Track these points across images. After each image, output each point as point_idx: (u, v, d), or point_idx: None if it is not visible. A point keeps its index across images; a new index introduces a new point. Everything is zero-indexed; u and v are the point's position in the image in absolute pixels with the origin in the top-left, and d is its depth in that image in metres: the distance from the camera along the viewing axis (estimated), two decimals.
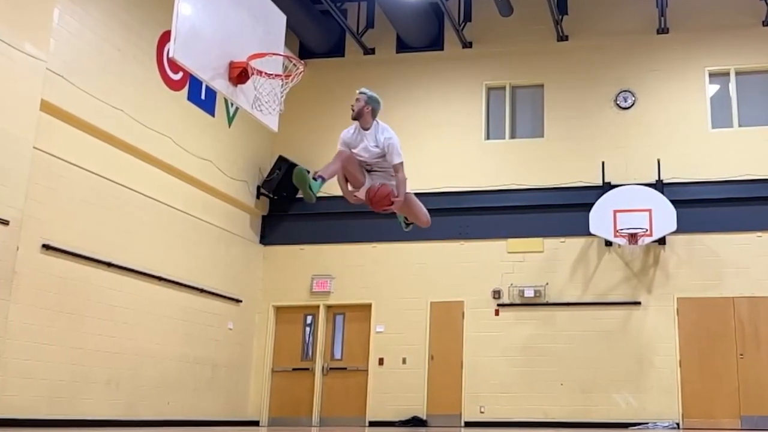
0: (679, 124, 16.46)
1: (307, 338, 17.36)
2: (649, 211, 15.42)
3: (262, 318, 17.39)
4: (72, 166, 12.24)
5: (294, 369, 17.18)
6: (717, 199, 15.82)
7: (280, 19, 10.82)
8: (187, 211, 15.09)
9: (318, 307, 17.28)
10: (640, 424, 15.15)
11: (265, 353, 17.22)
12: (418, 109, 17.66)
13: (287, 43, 11.44)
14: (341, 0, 17.38)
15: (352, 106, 7.82)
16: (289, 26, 11.68)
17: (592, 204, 15.79)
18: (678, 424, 15.10)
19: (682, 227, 15.38)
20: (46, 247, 11.71)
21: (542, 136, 17.21)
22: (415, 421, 16.03)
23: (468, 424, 15.87)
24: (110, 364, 12.92)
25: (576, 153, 16.76)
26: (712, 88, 16.74)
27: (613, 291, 15.98)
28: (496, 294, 16.43)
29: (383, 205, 7.65)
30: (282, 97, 10.27)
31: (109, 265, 12.95)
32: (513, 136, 17.54)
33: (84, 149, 12.50)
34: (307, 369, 17.11)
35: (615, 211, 15.53)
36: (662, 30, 16.89)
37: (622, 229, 15.40)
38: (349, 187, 7.94)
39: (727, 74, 16.67)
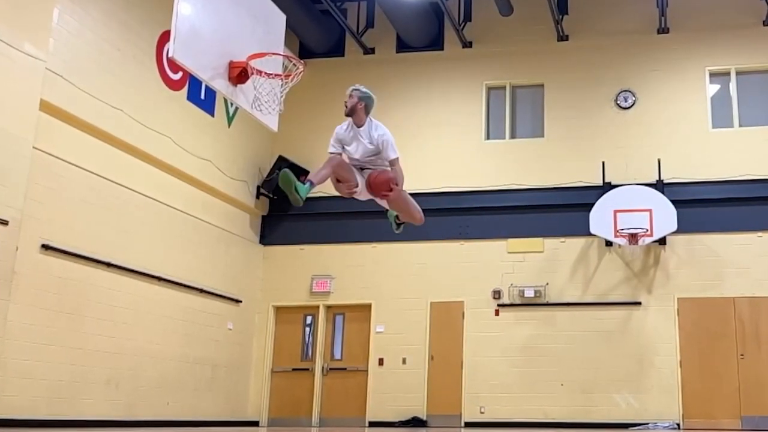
0: (680, 124, 16.44)
1: (306, 338, 17.34)
2: (650, 211, 15.40)
3: (262, 318, 17.38)
4: (71, 166, 12.23)
5: (294, 369, 17.17)
6: (717, 199, 15.80)
7: (279, 18, 10.80)
8: (187, 211, 15.07)
9: (318, 307, 17.26)
10: (640, 424, 15.13)
11: (264, 353, 17.20)
12: (418, 109, 17.65)
13: (287, 43, 11.41)
14: (341, 0, 17.37)
15: (345, 102, 7.78)
16: (289, 26, 11.66)
17: (593, 204, 15.78)
18: (678, 424, 15.08)
19: (683, 227, 15.36)
20: (46, 247, 11.70)
21: (542, 136, 17.19)
22: (415, 422, 16.02)
23: (468, 425, 15.85)
24: (110, 365, 12.90)
25: (576, 153, 16.74)
26: (713, 88, 16.72)
27: (613, 291, 15.96)
28: (496, 294, 16.42)
29: (382, 189, 7.55)
30: (282, 96, 10.25)
31: (109, 265, 12.93)
32: (513, 136, 17.52)
33: (83, 149, 12.49)
34: (307, 369, 17.09)
35: (615, 211, 15.52)
36: (662, 30, 16.88)
37: (622, 229, 15.38)
38: (342, 186, 7.86)
39: (728, 74, 16.65)
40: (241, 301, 16.68)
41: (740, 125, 16.35)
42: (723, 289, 15.54)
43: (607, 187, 16.08)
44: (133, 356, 13.44)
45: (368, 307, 16.98)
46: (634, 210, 15.42)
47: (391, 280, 16.88)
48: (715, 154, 16.10)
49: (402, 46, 18.10)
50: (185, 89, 15.07)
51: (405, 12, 16.79)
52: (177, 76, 14.70)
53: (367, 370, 16.70)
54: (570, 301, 16.12)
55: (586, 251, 16.26)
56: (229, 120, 16.54)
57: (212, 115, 15.98)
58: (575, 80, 17.16)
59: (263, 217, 17.70)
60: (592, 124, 16.87)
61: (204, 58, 9.28)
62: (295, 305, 17.38)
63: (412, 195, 17.40)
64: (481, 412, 15.92)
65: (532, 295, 16.23)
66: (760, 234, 15.60)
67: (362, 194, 7.91)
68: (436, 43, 18.01)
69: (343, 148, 7.83)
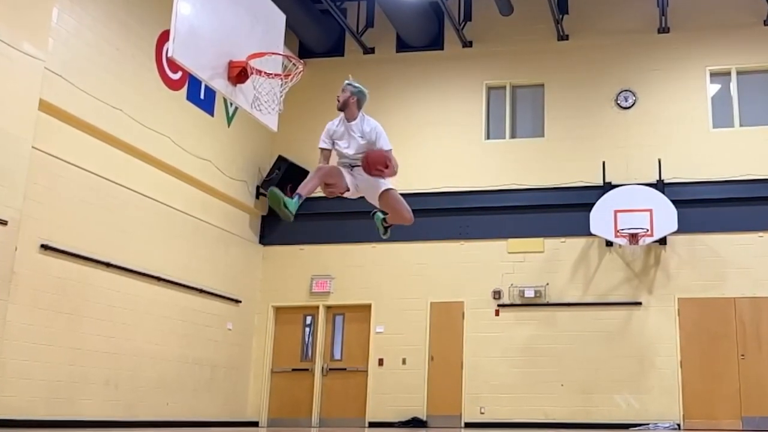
0: (680, 124, 16.41)
1: (306, 339, 17.31)
2: (650, 211, 15.38)
3: (262, 318, 17.35)
4: (71, 165, 12.21)
5: (293, 369, 17.14)
6: (718, 199, 15.77)
7: (279, 18, 10.79)
8: (186, 211, 15.05)
9: (317, 307, 17.23)
10: (640, 425, 15.10)
11: (264, 354, 17.17)
12: (418, 109, 17.62)
13: (287, 43, 11.39)
14: None
15: (338, 96, 7.75)
16: (289, 25, 11.64)
17: (593, 204, 15.75)
18: (679, 425, 15.05)
19: (683, 227, 15.34)
20: (45, 247, 11.68)
21: (543, 135, 17.17)
22: (415, 422, 15.99)
23: (468, 425, 15.82)
24: (109, 365, 12.87)
25: (576, 153, 16.71)
26: (713, 88, 16.69)
27: (613, 291, 15.93)
28: (497, 294, 16.39)
29: (379, 164, 7.45)
30: (281, 96, 10.23)
31: (108, 265, 12.90)
32: (513, 135, 17.49)
33: (83, 149, 12.46)
34: (307, 370, 17.06)
35: (616, 211, 15.49)
36: (663, 29, 16.85)
37: (622, 229, 15.35)
38: (331, 190, 7.78)
39: (728, 74, 16.63)
40: (240, 302, 16.65)
41: (741, 125, 16.32)
42: (724, 290, 15.51)
43: (608, 187, 16.06)
44: (132, 356, 13.42)
45: (368, 307, 16.95)
46: (635, 210, 15.40)
47: (391, 281, 16.85)
48: (716, 154, 16.07)
49: (402, 46, 18.07)
50: (185, 89, 15.04)
51: (405, 11, 16.76)
52: (176, 76, 14.68)
53: (366, 371, 16.68)
54: (570, 301, 16.09)
55: (587, 251, 16.23)
56: (229, 120, 16.51)
57: (212, 114, 15.95)
58: (575, 80, 17.13)
59: (263, 217, 17.67)
60: (593, 123, 16.84)
61: (203, 57, 9.26)
62: (295, 305, 17.35)
63: (412, 195, 17.39)
64: (481, 413, 15.89)
65: (533, 295, 16.20)
66: (760, 234, 15.58)
67: (354, 194, 7.85)
68: (436, 42, 17.98)
69: (334, 144, 7.76)
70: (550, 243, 16.44)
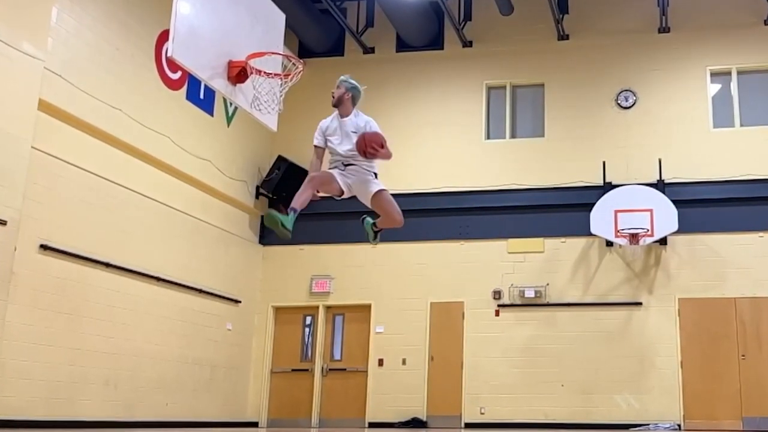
0: (681, 124, 16.39)
1: (306, 339, 17.30)
2: (650, 211, 15.36)
3: (261, 319, 17.33)
4: (70, 165, 12.19)
5: (293, 370, 17.12)
6: (718, 199, 15.75)
7: (279, 18, 10.77)
8: (186, 211, 15.03)
9: (317, 307, 17.21)
10: (641, 425, 15.08)
11: (264, 354, 17.15)
12: (418, 109, 17.60)
13: (286, 42, 11.38)
14: None
15: (333, 93, 7.77)
16: (289, 25, 11.63)
17: (593, 204, 15.73)
18: (679, 425, 15.04)
19: (684, 227, 15.32)
20: (44, 247, 11.66)
21: (543, 135, 17.15)
22: (415, 423, 15.97)
23: (468, 426, 15.81)
24: (108, 365, 12.86)
25: (577, 153, 16.70)
26: (714, 88, 16.67)
27: (614, 291, 15.91)
28: (497, 294, 16.37)
29: (374, 142, 7.41)
30: (281, 96, 10.22)
31: (108, 265, 12.88)
32: (513, 135, 17.47)
33: (82, 149, 12.44)
34: (307, 370, 17.04)
35: (616, 211, 15.48)
36: (663, 29, 16.83)
37: (623, 229, 15.33)
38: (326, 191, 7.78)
39: (729, 73, 16.61)
40: (240, 302, 16.63)
41: (741, 125, 16.30)
42: (724, 290, 15.49)
43: (608, 187, 16.04)
44: (131, 357, 13.40)
45: (368, 307, 16.94)
46: (635, 210, 15.38)
47: (391, 281, 16.83)
48: (716, 154, 16.05)
49: (402, 46, 18.05)
50: (184, 89, 15.02)
51: (405, 11, 16.74)
52: (176, 76, 14.66)
53: (366, 371, 16.66)
54: (570, 301, 16.07)
55: (587, 251, 16.21)
56: (229, 120, 16.49)
57: (211, 114, 15.94)
58: (576, 80, 17.12)
59: (262, 217, 17.65)
60: (593, 123, 16.82)
61: (203, 57, 9.25)
62: (295, 306, 17.33)
63: (412, 195, 17.38)
64: (482, 413, 15.88)
65: (533, 295, 16.18)
66: (761, 234, 15.56)
67: (347, 194, 7.81)
68: (436, 42, 17.96)
69: (327, 142, 7.73)
70: (551, 243, 16.42)
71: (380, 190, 7.72)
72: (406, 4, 16.49)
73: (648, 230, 15.26)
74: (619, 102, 16.79)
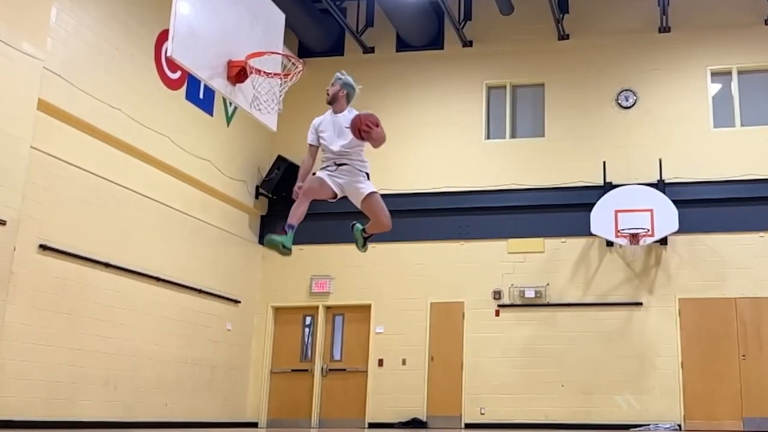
0: (681, 124, 16.38)
1: (306, 339, 17.27)
2: (651, 211, 15.34)
3: (261, 319, 17.30)
4: (69, 165, 12.17)
5: (293, 370, 17.10)
6: (719, 199, 15.74)
7: (279, 17, 10.76)
8: (186, 211, 15.01)
9: (317, 307, 17.20)
10: (641, 425, 15.06)
11: (263, 354, 17.13)
12: (418, 109, 17.58)
13: (286, 42, 11.36)
14: None
15: (327, 90, 7.75)
16: (288, 25, 11.61)
17: (593, 204, 15.71)
18: (680, 425, 15.02)
19: (684, 227, 15.30)
20: (44, 247, 11.64)
21: (543, 135, 17.13)
22: (415, 423, 15.95)
23: (468, 426, 15.79)
24: (108, 365, 12.83)
25: (577, 153, 16.68)
26: (714, 87, 16.66)
27: (614, 291, 15.90)
28: (497, 294, 16.35)
29: (369, 120, 7.37)
30: (281, 96, 10.21)
31: (107, 265, 12.86)
32: (513, 135, 17.46)
33: (82, 149, 12.42)
34: (306, 370, 17.02)
35: (616, 211, 15.46)
36: (664, 29, 16.82)
37: (623, 230, 15.32)
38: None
39: (729, 73, 16.59)
40: (240, 302, 16.61)
41: (742, 125, 16.28)
42: (724, 290, 15.47)
43: (608, 186, 16.02)
44: (131, 357, 13.37)
45: (368, 307, 16.92)
46: (635, 210, 15.36)
47: (391, 281, 16.81)
48: (717, 154, 16.04)
49: (402, 46, 18.03)
50: (184, 88, 15.00)
51: (405, 11, 16.72)
52: (176, 76, 14.64)
53: (366, 371, 16.64)
54: (571, 301, 16.05)
55: (587, 251, 16.19)
56: (228, 119, 16.47)
57: (211, 114, 15.92)
58: (576, 79, 17.10)
59: (262, 217, 17.63)
60: (593, 123, 16.81)
61: (203, 57, 9.23)
62: (295, 306, 17.31)
63: (412, 195, 17.36)
64: (482, 413, 15.85)
65: (533, 295, 16.16)
66: (761, 234, 15.54)
67: (339, 195, 7.78)
68: (436, 42, 17.94)
69: (320, 140, 7.69)
70: (551, 243, 16.40)
71: (372, 193, 7.68)
72: (406, 4, 16.47)
73: (648, 230, 15.24)
74: (619, 102, 16.78)
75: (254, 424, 16.78)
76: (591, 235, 15.81)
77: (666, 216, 15.25)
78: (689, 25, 16.79)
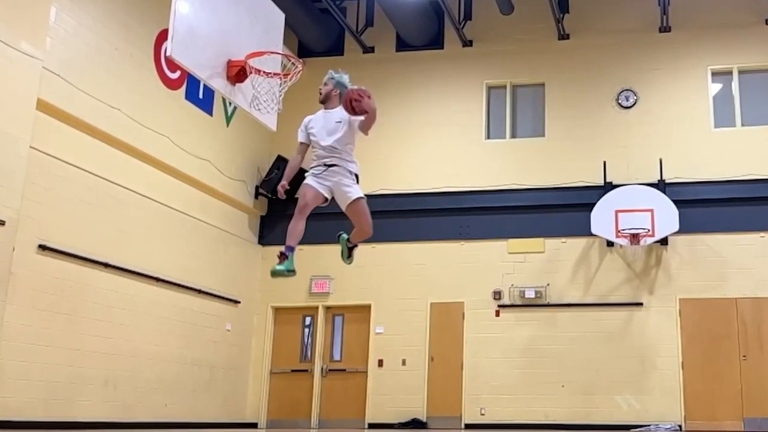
0: (682, 124, 16.35)
1: (305, 339, 17.25)
2: (651, 211, 15.31)
3: (261, 319, 17.28)
4: (69, 165, 12.15)
5: (293, 370, 17.07)
6: (720, 199, 15.71)
7: (278, 17, 10.75)
8: (185, 211, 14.99)
9: (317, 308, 17.17)
10: (642, 426, 15.04)
11: (263, 355, 17.10)
12: (418, 109, 17.55)
13: (286, 42, 11.35)
14: None
15: (320, 89, 7.76)
16: (288, 25, 11.60)
17: (594, 204, 15.69)
18: (680, 426, 14.99)
19: (685, 227, 15.27)
20: (43, 247, 11.62)
21: (543, 135, 17.11)
22: (415, 423, 15.93)
23: (468, 426, 15.76)
24: (107, 366, 12.81)
25: (577, 152, 16.66)
26: (715, 87, 16.63)
27: (614, 292, 15.87)
28: (497, 295, 16.33)
29: (362, 92, 7.36)
30: (280, 96, 10.21)
31: (106, 265, 12.84)
32: (514, 135, 17.43)
33: (81, 149, 12.40)
34: (306, 371, 17.00)
35: (617, 211, 15.43)
36: (664, 28, 16.79)
37: (623, 230, 15.29)
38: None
39: (730, 73, 16.57)
40: (239, 302, 16.59)
41: (742, 124, 16.26)
42: (725, 290, 15.45)
43: (609, 186, 16.00)
44: (130, 357, 13.35)
45: (368, 308, 16.89)
46: (636, 210, 15.33)
47: (391, 281, 16.78)
48: (717, 154, 16.01)
49: (402, 45, 18.01)
50: (183, 88, 14.98)
51: (405, 10, 16.70)
52: (175, 75, 14.61)
53: (366, 372, 16.61)
54: (571, 301, 16.03)
55: (588, 252, 16.17)
56: (228, 119, 16.44)
57: (210, 114, 15.89)
58: (576, 79, 17.08)
59: (262, 217, 17.61)
60: (594, 123, 16.78)
61: (202, 56, 9.22)
62: (294, 306, 17.28)
63: (412, 195, 17.32)
64: (482, 414, 15.83)
65: (533, 295, 16.14)
66: (762, 234, 15.51)
67: (330, 197, 7.79)
68: (436, 41, 17.92)
69: (310, 137, 7.70)
70: (551, 243, 16.38)
71: (360, 198, 7.69)
72: (406, 4, 16.45)
73: (649, 230, 15.21)
74: (619, 102, 16.75)
75: (254, 425, 16.76)
76: (591, 235, 15.79)
77: (666, 216, 15.23)
78: (690, 24, 16.76)
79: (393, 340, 16.52)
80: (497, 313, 16.28)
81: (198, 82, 13.93)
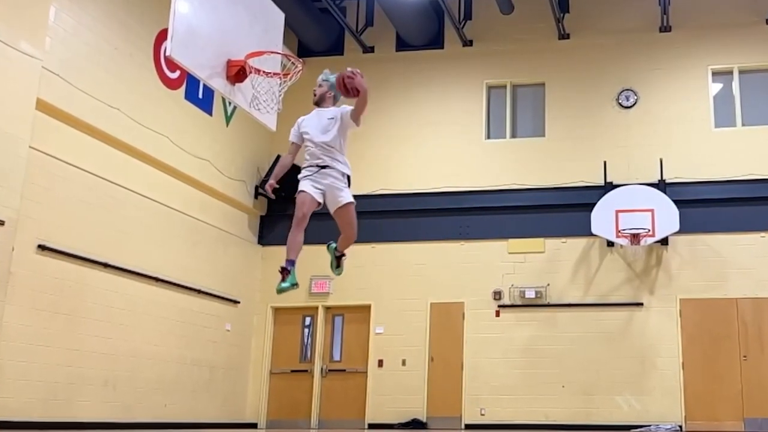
0: (682, 123, 16.34)
1: (305, 340, 17.23)
2: (652, 211, 15.30)
3: (261, 319, 17.26)
4: (68, 165, 12.13)
5: (292, 371, 17.05)
6: (720, 199, 15.70)
7: (278, 17, 10.72)
8: (185, 211, 14.97)
9: (317, 308, 17.15)
10: (642, 426, 15.02)
11: (263, 355, 17.09)
12: (418, 108, 17.53)
13: (286, 42, 11.32)
14: None
15: (314, 90, 7.76)
16: (288, 24, 11.57)
17: (594, 204, 15.67)
18: (681, 426, 14.98)
19: (685, 227, 15.26)
20: (42, 247, 11.60)
21: (543, 135, 17.09)
22: (415, 424, 15.91)
23: (468, 427, 15.75)
24: (107, 366, 12.80)
25: (577, 152, 16.64)
26: (715, 87, 16.62)
27: (615, 292, 15.85)
28: (497, 295, 16.31)
29: (352, 72, 7.36)
30: (280, 95, 10.17)
31: (106, 265, 12.82)
32: (514, 135, 17.41)
33: (80, 149, 12.39)
34: (306, 371, 16.98)
35: (617, 211, 15.42)
36: (665, 28, 16.78)
37: (624, 230, 15.27)
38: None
39: (731, 73, 16.55)
40: (239, 302, 16.57)
41: (743, 124, 16.24)
42: (726, 290, 15.43)
43: (609, 186, 15.98)
44: (130, 358, 13.34)
45: (367, 308, 16.87)
46: (636, 210, 15.32)
47: (391, 281, 16.76)
48: (718, 154, 16.00)
49: (402, 45, 17.99)
50: (183, 88, 14.96)
51: (405, 10, 16.68)
52: (175, 75, 14.59)
53: (366, 372, 16.59)
54: (571, 302, 16.01)
55: (588, 252, 16.15)
56: (227, 119, 16.42)
57: (210, 114, 15.87)
58: (576, 79, 17.06)
59: (262, 217, 17.59)
60: (594, 123, 16.77)
61: (202, 56, 9.20)
62: (294, 306, 17.24)
63: (413, 195, 17.30)
64: (482, 414, 15.81)
65: (533, 295, 16.12)
66: (763, 234, 15.50)
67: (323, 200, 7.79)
68: (436, 41, 17.90)
69: (302, 137, 7.74)
70: (551, 243, 16.36)
71: (351, 202, 7.73)
72: (406, 3, 16.43)
73: (649, 230, 15.20)
74: (620, 101, 16.74)
75: (254, 425, 16.74)
76: (592, 235, 15.77)
77: (667, 216, 15.21)
78: (690, 24, 16.75)
79: (393, 341, 16.50)
80: (497, 314, 16.27)
81: (198, 81, 13.92)
